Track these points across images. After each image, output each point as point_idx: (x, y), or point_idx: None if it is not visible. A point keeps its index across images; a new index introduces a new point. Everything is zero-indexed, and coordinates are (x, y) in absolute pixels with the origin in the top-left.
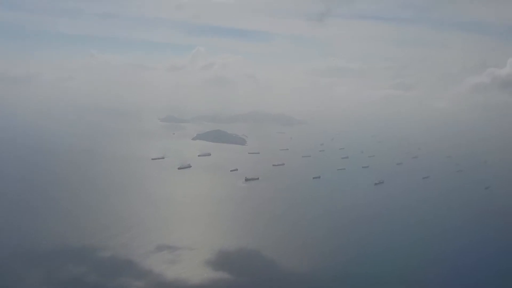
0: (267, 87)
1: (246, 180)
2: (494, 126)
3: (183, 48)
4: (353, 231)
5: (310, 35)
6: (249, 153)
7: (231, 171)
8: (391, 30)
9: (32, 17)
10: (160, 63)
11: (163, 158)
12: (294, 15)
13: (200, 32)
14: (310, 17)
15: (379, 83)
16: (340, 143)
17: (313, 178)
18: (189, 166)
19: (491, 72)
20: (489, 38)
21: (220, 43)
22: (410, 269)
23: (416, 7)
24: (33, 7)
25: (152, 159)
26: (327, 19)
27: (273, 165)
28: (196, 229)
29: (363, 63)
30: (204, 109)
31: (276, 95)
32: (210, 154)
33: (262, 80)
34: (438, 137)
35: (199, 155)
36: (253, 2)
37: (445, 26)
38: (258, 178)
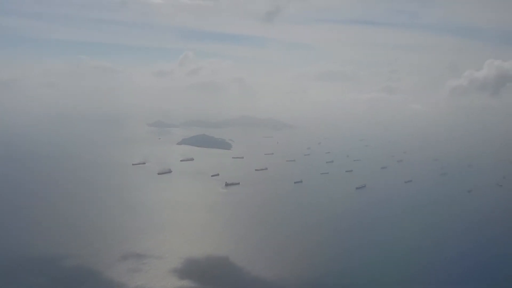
0: (258, 91)
1: (226, 185)
2: (481, 128)
3: (177, 53)
4: (328, 240)
5: (304, 40)
6: (233, 157)
7: (212, 176)
8: (384, 34)
9: (23, 22)
10: (152, 68)
11: (144, 163)
12: (288, 20)
13: (192, 37)
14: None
15: (370, 87)
16: (327, 147)
17: (295, 182)
18: (170, 171)
19: (473, 75)
20: (481, 42)
21: (214, 48)
22: (383, 282)
23: (408, 12)
24: (24, 12)
25: (133, 164)
26: (318, 24)
27: (256, 169)
28: (167, 237)
29: (356, 68)
30: (193, 114)
31: (266, 99)
32: (193, 159)
33: (252, 84)
34: (425, 140)
35: (181, 160)
36: (247, 8)
37: (437, 30)
38: (238, 183)
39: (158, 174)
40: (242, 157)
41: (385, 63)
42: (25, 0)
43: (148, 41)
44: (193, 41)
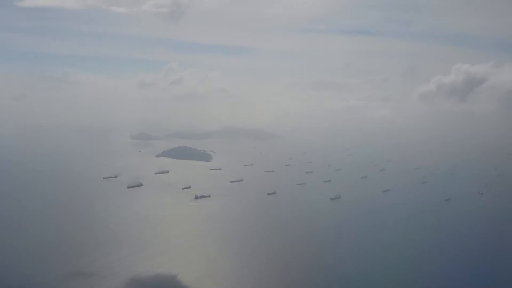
0: (245, 102)
1: (196, 198)
2: (466, 136)
3: (163, 65)
4: (290, 256)
5: (296, 50)
6: (210, 169)
7: (183, 188)
8: (376, 43)
9: (10, 36)
10: (139, 79)
11: (115, 177)
12: (281, 31)
13: (178, 48)
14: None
15: (359, 96)
16: (310, 157)
17: (268, 194)
18: (140, 185)
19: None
20: (473, 50)
21: (202, 59)
22: None
23: (400, 21)
24: (13, 27)
25: (103, 178)
26: (310, 33)
27: (231, 181)
28: (118, 255)
29: (347, 77)
30: (178, 126)
31: (254, 110)
32: (168, 172)
33: (239, 95)
34: (409, 148)
35: (156, 173)
36: (239, 18)
37: (430, 38)
38: (209, 196)
39: (128, 187)
40: (220, 169)
41: (377, 72)
42: (13, 14)
43: (135, 53)
44: (180, 52)
